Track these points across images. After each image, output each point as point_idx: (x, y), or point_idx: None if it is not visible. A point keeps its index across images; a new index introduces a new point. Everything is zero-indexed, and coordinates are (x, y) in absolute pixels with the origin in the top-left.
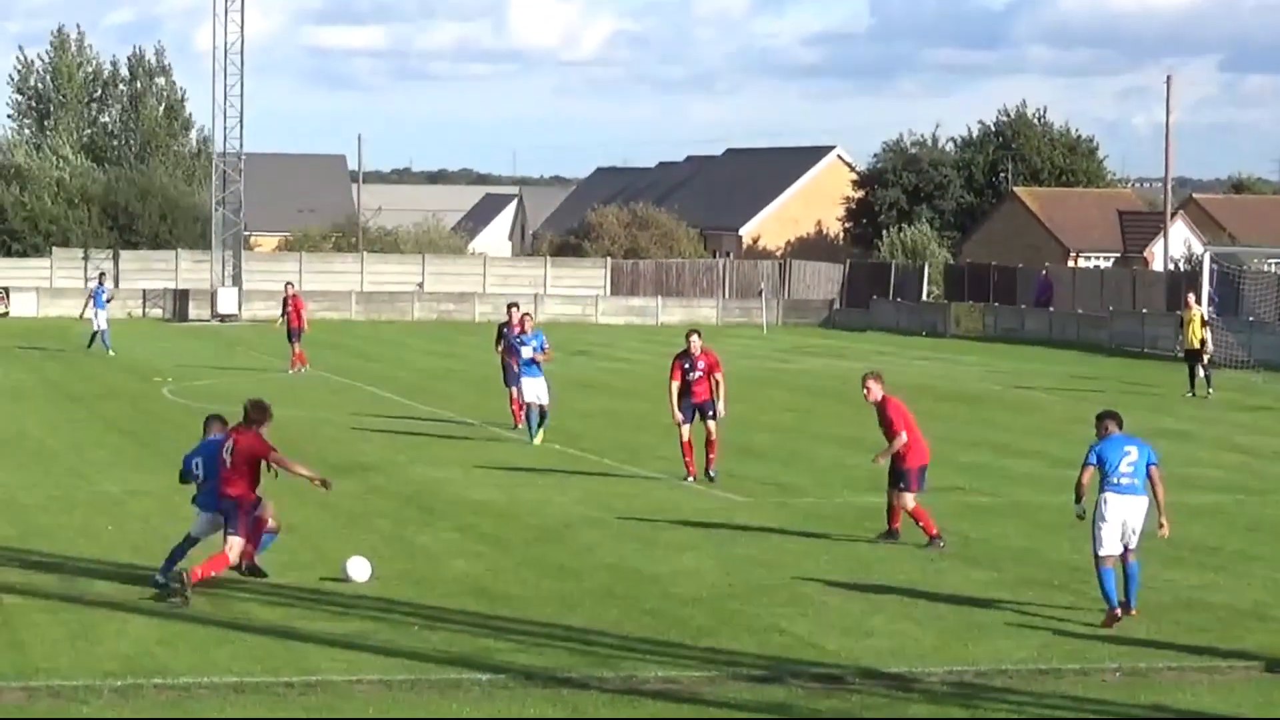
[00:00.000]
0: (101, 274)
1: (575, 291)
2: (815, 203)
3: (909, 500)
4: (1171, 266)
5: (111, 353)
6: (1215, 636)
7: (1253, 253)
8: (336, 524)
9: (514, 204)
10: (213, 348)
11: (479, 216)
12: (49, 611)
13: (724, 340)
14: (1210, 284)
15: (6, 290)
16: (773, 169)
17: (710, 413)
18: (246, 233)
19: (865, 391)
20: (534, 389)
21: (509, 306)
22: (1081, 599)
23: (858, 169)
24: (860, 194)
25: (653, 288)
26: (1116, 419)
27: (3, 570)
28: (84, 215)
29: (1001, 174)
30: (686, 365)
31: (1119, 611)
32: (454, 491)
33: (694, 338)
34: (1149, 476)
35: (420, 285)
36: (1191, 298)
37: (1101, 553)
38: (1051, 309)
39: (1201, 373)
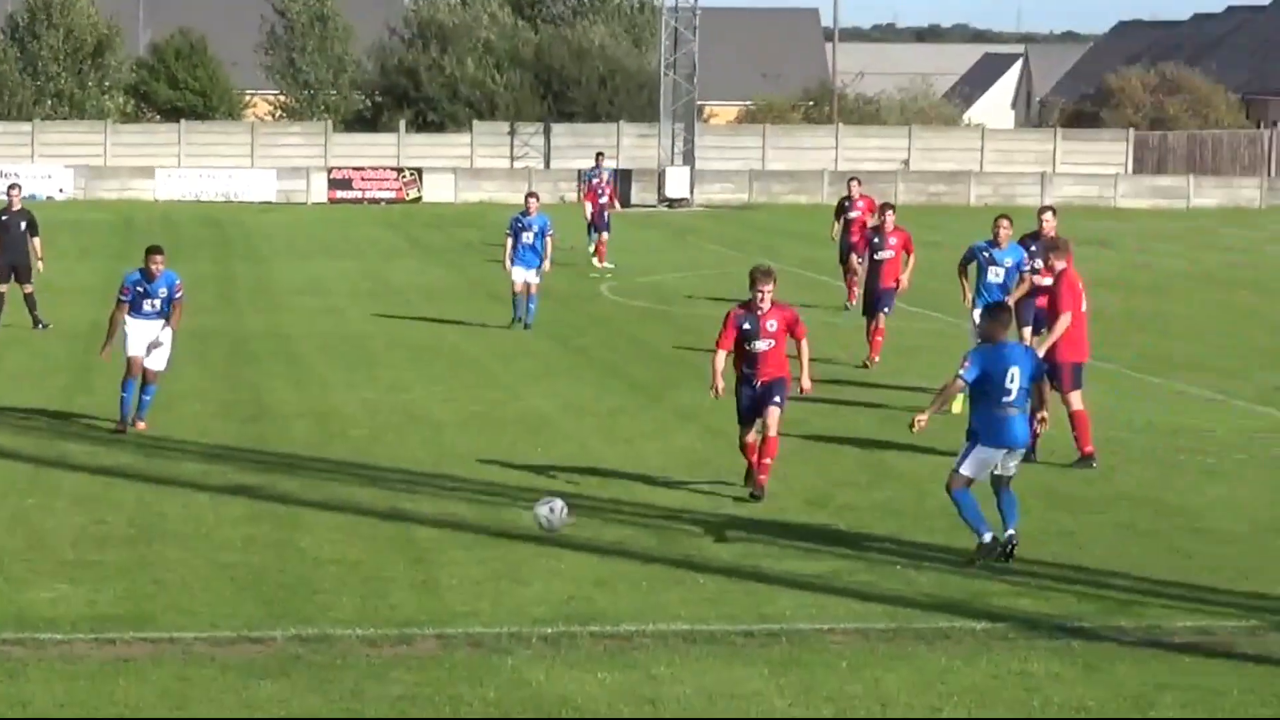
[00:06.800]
0: (599, 154)
1: (1090, 170)
2: None
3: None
4: None
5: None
6: None
7: None
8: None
9: (1018, 66)
10: (659, 238)
11: (976, 81)
12: (468, 548)
13: (1269, 225)
14: None
15: (419, 171)
16: None
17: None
18: (700, 102)
19: None
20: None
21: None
22: None
23: None
24: None
25: (1183, 165)
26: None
27: (416, 499)
28: (512, 82)
29: None
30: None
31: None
32: None
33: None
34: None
35: (905, 163)
36: None
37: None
38: None
39: None
